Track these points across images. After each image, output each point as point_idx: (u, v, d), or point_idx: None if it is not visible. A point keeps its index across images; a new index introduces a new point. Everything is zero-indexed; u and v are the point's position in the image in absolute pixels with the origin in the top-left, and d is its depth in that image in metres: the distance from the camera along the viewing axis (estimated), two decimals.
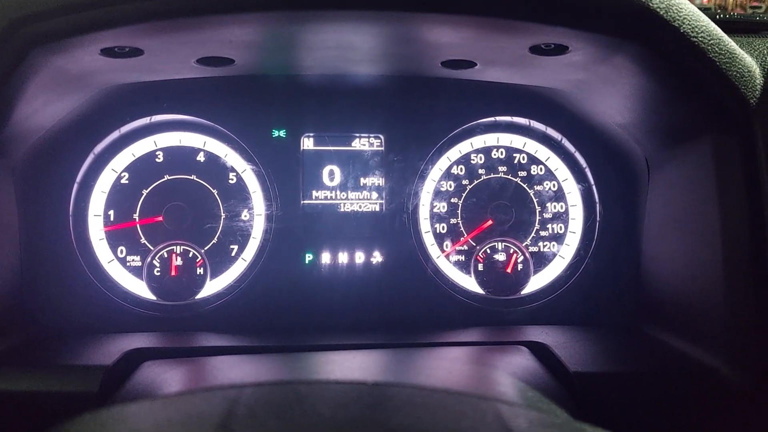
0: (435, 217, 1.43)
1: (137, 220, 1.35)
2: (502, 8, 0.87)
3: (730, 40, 1.02)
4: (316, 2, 0.84)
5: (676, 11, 0.92)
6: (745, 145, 1.06)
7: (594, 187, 1.42)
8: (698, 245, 1.12)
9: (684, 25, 0.93)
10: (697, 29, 0.95)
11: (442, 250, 1.43)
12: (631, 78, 1.06)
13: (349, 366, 0.96)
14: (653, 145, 1.25)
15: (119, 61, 1.06)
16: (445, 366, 0.98)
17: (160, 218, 1.35)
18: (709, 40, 0.97)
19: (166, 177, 1.36)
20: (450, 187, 1.43)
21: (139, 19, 0.88)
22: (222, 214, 1.38)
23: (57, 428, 0.47)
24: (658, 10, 0.90)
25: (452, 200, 1.43)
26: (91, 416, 0.47)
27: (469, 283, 1.41)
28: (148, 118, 1.36)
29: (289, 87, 1.36)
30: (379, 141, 1.40)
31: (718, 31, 1.00)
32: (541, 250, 1.43)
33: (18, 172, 1.20)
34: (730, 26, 1.45)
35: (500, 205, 1.42)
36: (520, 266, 1.39)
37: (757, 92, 1.05)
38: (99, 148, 1.34)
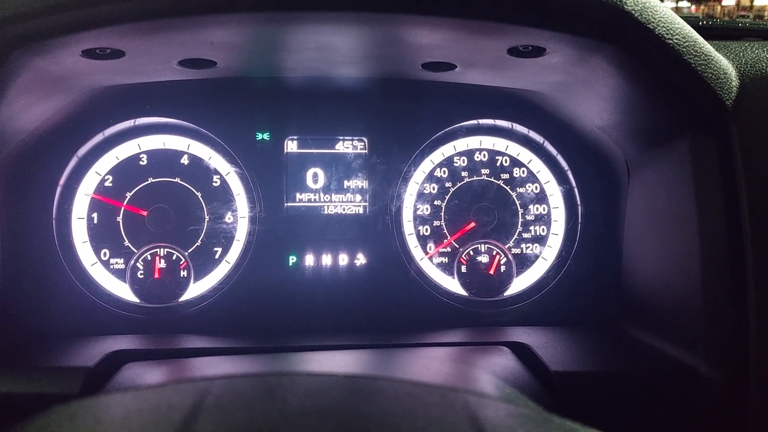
0: (418, 220, 1.44)
1: (124, 203, 1.35)
2: (479, 10, 0.89)
3: (705, 42, 1.03)
4: (293, 3, 0.85)
5: (650, 13, 0.94)
6: (721, 146, 1.07)
7: (576, 189, 1.43)
8: (677, 246, 1.13)
9: (659, 27, 0.95)
10: (672, 31, 0.97)
11: (426, 252, 1.43)
12: (608, 80, 1.08)
13: (328, 365, 0.97)
14: (632, 147, 1.27)
15: (101, 63, 1.06)
16: (424, 364, 0.98)
17: (145, 213, 1.35)
18: (685, 42, 0.98)
19: (150, 180, 1.37)
20: (433, 189, 1.44)
21: (120, 20, 0.89)
22: (206, 216, 1.38)
23: (27, 421, 0.47)
24: (633, 12, 0.91)
25: (435, 202, 1.44)
26: (61, 408, 0.48)
27: (452, 284, 1.42)
28: (132, 120, 1.36)
29: (272, 90, 1.37)
30: (363, 144, 1.41)
31: (694, 34, 1.01)
32: (524, 251, 1.44)
33: (0, 174, 1.20)
34: (713, 33, 1.48)
35: (483, 208, 1.43)
36: (502, 268, 1.40)
37: (732, 94, 1.07)
38: (82, 150, 1.34)
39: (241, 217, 1.39)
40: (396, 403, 0.47)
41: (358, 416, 0.45)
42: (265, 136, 1.39)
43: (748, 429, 1.01)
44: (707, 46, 1.03)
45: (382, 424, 0.44)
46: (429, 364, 0.99)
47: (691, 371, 1.05)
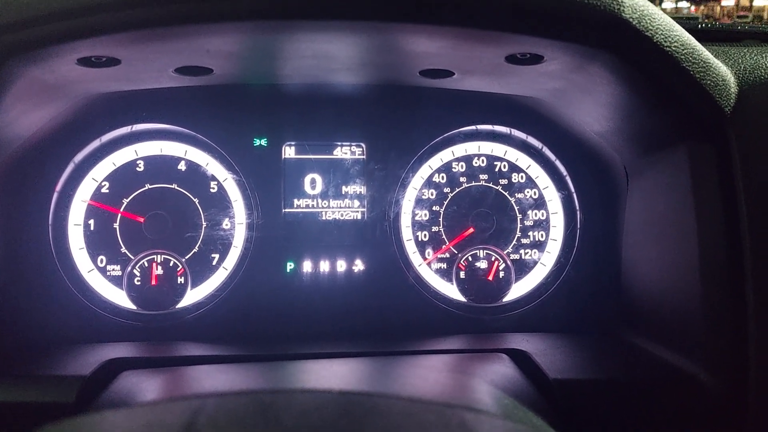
0: (416, 225, 1.43)
1: (121, 210, 1.34)
2: (477, 19, 0.88)
3: (704, 49, 1.03)
4: (288, 13, 0.84)
5: (649, 21, 0.93)
6: (720, 153, 1.07)
7: (574, 195, 1.43)
8: (676, 252, 1.12)
9: (657, 35, 0.94)
10: (670, 39, 0.96)
11: (424, 258, 1.43)
12: (606, 87, 1.07)
13: (326, 375, 0.96)
14: (631, 153, 1.26)
15: (97, 71, 1.06)
16: (422, 374, 0.98)
17: (141, 219, 1.34)
18: (683, 50, 0.98)
19: (147, 186, 1.36)
20: (431, 195, 1.43)
21: (115, 28, 0.88)
22: (203, 222, 1.37)
23: None
24: (631, 20, 0.91)
25: (434, 208, 1.43)
26: (53, 428, 0.47)
27: (450, 290, 1.42)
28: (129, 127, 1.35)
29: (269, 96, 1.37)
30: (361, 149, 1.41)
31: (692, 41, 1.01)
32: (523, 257, 1.44)
33: None
34: (712, 36, 1.47)
35: (481, 213, 1.43)
36: (501, 274, 1.40)
37: (731, 100, 1.07)
38: (79, 157, 1.34)
39: (238, 224, 1.38)
40: (391, 422, 0.47)
41: None
42: (263, 142, 1.38)
43: None
44: (706, 53, 1.02)
45: None
46: (427, 374, 0.98)
47: (690, 379, 1.04)
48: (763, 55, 1.21)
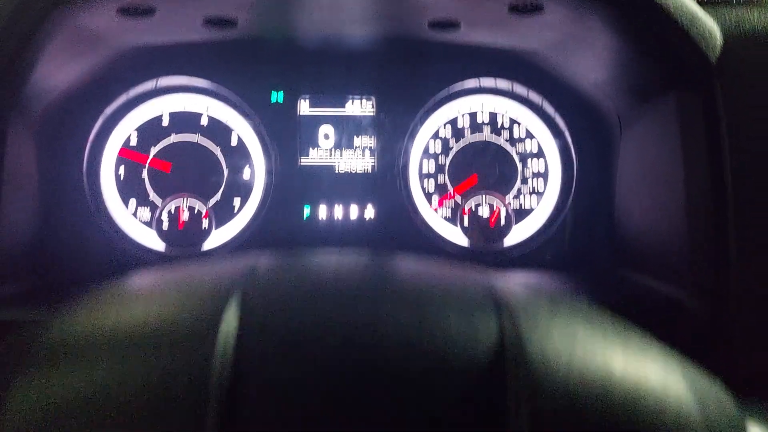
0: (423, 175, 1.53)
1: (148, 162, 1.45)
2: None
3: (693, 2, 1.11)
4: None
5: None
6: (706, 102, 1.14)
7: (572, 146, 1.52)
8: (665, 196, 1.21)
9: None
10: None
11: (430, 205, 1.52)
12: (602, 37, 1.15)
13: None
14: (625, 103, 1.35)
15: (132, 22, 1.15)
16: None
17: (168, 168, 1.45)
18: (672, 1, 1.06)
19: (173, 137, 1.46)
20: (438, 146, 1.53)
21: None
22: (225, 171, 1.47)
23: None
24: None
25: (440, 159, 1.53)
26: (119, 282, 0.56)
27: (455, 235, 1.51)
28: (154, 81, 1.45)
29: (286, 50, 1.46)
30: (371, 102, 1.50)
31: None
32: (523, 204, 1.53)
33: (36, 129, 1.28)
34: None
35: (485, 163, 1.52)
36: (503, 220, 1.49)
37: (717, 51, 1.14)
38: (109, 110, 1.44)
39: (257, 173, 1.48)
40: (424, 276, 0.56)
41: (387, 289, 0.53)
42: (280, 95, 1.48)
43: (729, 354, 1.10)
44: (694, 6, 1.11)
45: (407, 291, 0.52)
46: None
47: (676, 303, 1.13)
48: (748, 11, 1.29)
